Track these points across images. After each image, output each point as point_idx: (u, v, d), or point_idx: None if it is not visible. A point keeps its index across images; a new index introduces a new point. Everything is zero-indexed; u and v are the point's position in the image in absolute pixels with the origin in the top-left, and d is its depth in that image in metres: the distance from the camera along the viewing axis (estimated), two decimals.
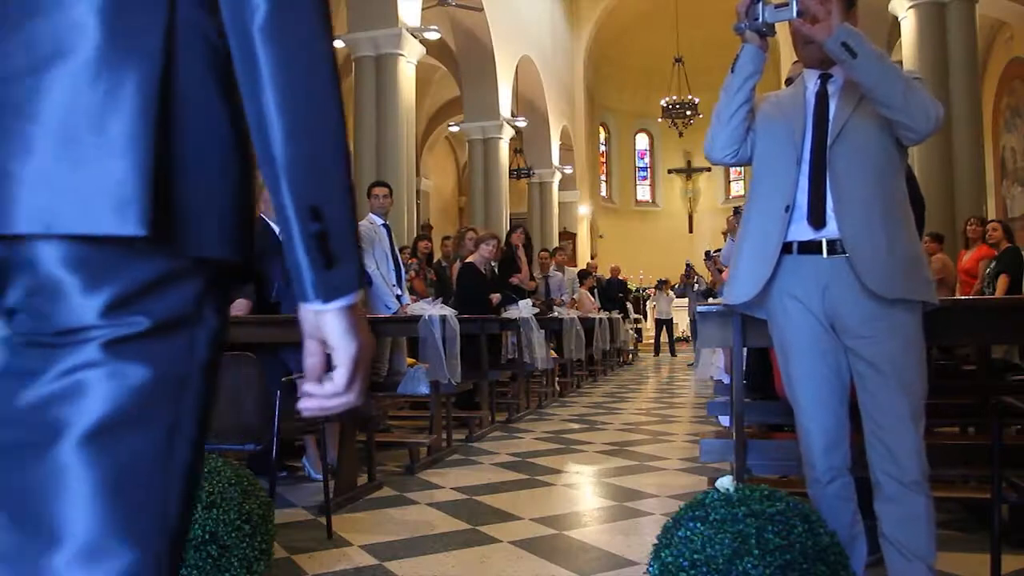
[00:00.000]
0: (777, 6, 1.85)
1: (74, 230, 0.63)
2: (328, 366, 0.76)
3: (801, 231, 1.93)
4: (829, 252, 1.91)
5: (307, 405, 0.77)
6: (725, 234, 6.88)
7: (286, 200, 0.70)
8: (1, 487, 0.67)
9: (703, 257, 8.09)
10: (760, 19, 1.87)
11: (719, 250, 7.07)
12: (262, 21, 0.68)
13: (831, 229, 1.90)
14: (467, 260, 6.44)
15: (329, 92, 0.72)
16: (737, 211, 6.36)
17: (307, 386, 0.76)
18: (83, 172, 0.63)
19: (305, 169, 0.70)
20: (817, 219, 1.90)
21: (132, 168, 0.64)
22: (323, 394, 0.76)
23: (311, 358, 0.76)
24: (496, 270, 7.13)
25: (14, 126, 0.64)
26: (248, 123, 0.71)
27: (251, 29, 0.69)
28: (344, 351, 0.75)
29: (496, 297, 6.49)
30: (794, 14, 1.82)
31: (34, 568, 0.64)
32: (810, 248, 1.92)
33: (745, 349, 3.37)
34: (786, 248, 1.94)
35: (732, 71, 1.98)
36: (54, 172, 0.63)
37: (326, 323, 0.74)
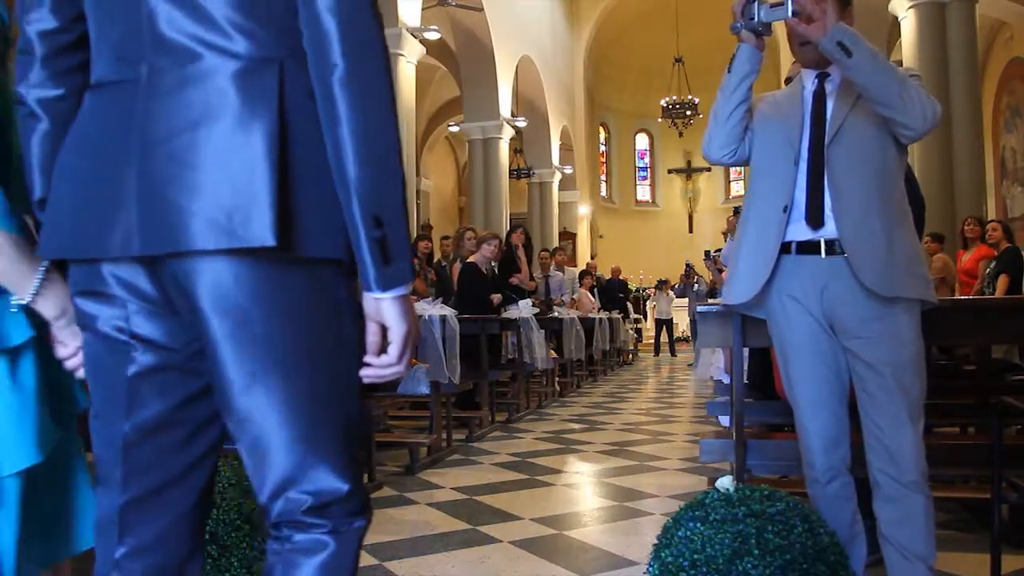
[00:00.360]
0: (772, 5, 1.84)
1: (231, 245, 0.87)
2: (383, 344, 0.97)
3: (799, 231, 1.93)
4: (827, 252, 1.91)
5: (366, 373, 0.97)
6: (725, 234, 6.89)
7: (355, 211, 0.90)
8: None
9: (703, 257, 8.09)
10: (756, 19, 1.87)
11: (719, 250, 7.07)
12: (340, 76, 0.90)
13: (829, 229, 1.90)
14: (468, 260, 6.43)
15: (389, 127, 0.93)
16: (737, 211, 6.36)
17: (368, 358, 0.96)
18: (234, 207, 0.87)
19: (370, 187, 0.90)
20: (815, 219, 1.90)
21: (267, 199, 0.87)
22: (380, 364, 0.97)
23: (371, 336, 0.96)
24: (496, 270, 7.13)
25: (182, 173, 0.88)
26: (327, 150, 0.91)
27: (331, 82, 0.90)
28: (397, 331, 0.95)
29: (497, 297, 6.48)
30: (789, 13, 1.81)
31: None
32: (808, 248, 1.92)
33: (747, 349, 3.38)
34: (784, 248, 1.94)
35: (729, 71, 1.98)
36: (215, 204, 0.87)
37: (384, 308, 0.94)
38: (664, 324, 15.57)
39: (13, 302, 1.09)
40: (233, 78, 0.90)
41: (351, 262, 0.94)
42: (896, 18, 9.04)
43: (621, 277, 14.61)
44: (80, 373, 1.07)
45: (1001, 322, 2.61)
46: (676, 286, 14.99)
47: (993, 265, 6.47)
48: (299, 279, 0.93)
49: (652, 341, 16.20)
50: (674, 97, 19.59)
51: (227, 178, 0.87)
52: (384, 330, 0.96)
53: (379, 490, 3.79)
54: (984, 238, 6.77)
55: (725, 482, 1.75)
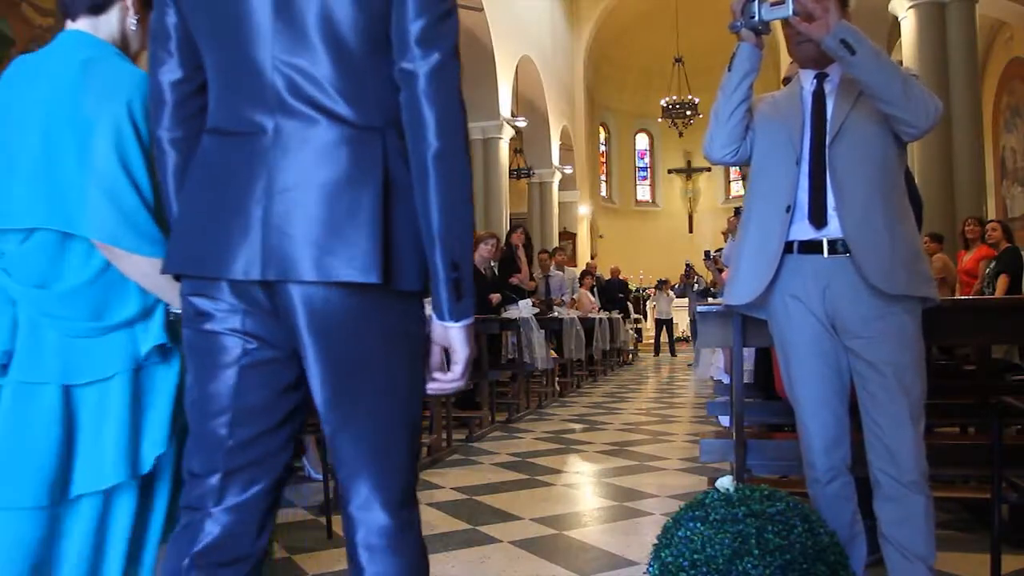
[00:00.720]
0: (773, 4, 1.84)
1: (344, 279, 1.07)
2: (446, 363, 1.19)
3: (802, 230, 1.93)
4: (830, 251, 1.91)
5: (432, 387, 1.20)
6: (726, 234, 6.88)
7: (438, 257, 1.11)
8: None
9: (703, 257, 8.09)
10: (756, 17, 1.87)
11: (719, 250, 7.07)
12: (434, 154, 1.10)
13: (832, 228, 1.90)
14: None
15: (467, 192, 1.14)
16: (738, 211, 6.35)
17: (436, 375, 1.19)
18: (346, 248, 1.06)
19: (451, 239, 1.11)
20: (818, 218, 1.90)
21: (372, 244, 1.07)
22: (445, 380, 1.19)
23: (435, 357, 1.18)
24: (496, 270, 7.13)
25: (303, 216, 1.07)
26: (417, 206, 1.12)
27: (427, 157, 1.10)
28: (461, 353, 1.16)
29: (496, 297, 6.48)
30: (790, 12, 1.82)
31: None
32: (811, 248, 1.93)
33: (751, 349, 3.38)
34: (787, 248, 1.94)
35: (729, 70, 1.98)
36: (328, 249, 1.06)
37: (452, 335, 1.15)
38: (664, 324, 15.57)
39: (172, 310, 1.42)
40: (347, 143, 1.10)
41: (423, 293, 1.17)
42: (896, 18, 9.04)
43: (621, 277, 14.61)
44: None
45: (1001, 322, 2.61)
46: (676, 286, 15.00)
47: (993, 265, 6.47)
48: (392, 307, 1.13)
49: (652, 341, 16.20)
50: (674, 97, 19.59)
51: (341, 225, 1.08)
52: (446, 352, 1.18)
53: None
54: (984, 238, 6.78)
55: (725, 482, 1.75)
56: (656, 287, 15.92)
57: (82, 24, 1.46)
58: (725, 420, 4.18)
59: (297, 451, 4.26)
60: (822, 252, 1.92)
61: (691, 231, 23.46)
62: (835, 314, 1.91)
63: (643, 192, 24.63)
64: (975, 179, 8.49)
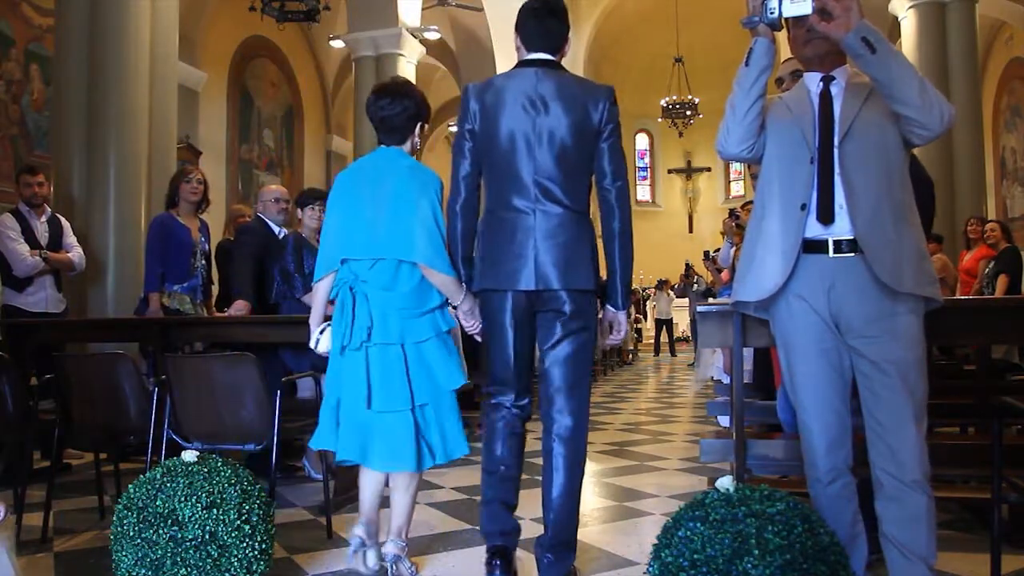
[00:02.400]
0: (794, 0, 1.84)
1: (578, 287, 2.29)
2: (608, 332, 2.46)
3: (811, 229, 1.93)
4: (835, 251, 1.91)
5: (607, 342, 2.46)
6: (723, 234, 6.87)
7: (618, 279, 2.36)
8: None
9: (703, 257, 8.09)
10: (777, 13, 1.86)
11: (718, 250, 7.07)
12: (616, 228, 2.35)
13: (838, 227, 1.90)
14: None
15: (631, 249, 2.38)
16: (732, 213, 6.34)
17: (611, 338, 2.44)
18: (576, 273, 2.28)
19: (624, 272, 2.36)
20: (825, 215, 1.90)
21: (589, 271, 2.30)
22: (614, 338, 2.43)
23: (605, 326, 2.43)
24: None
25: (556, 257, 2.28)
26: (606, 253, 2.37)
27: (614, 228, 2.36)
28: (624, 326, 2.44)
29: None
30: (811, 9, 1.82)
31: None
32: (816, 247, 1.93)
33: (751, 349, 3.38)
34: None
35: (746, 64, 1.97)
36: (567, 272, 2.27)
37: (620, 317, 2.42)
38: (664, 324, 15.56)
39: (451, 303, 2.48)
40: (571, 220, 2.30)
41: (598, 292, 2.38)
42: (896, 18, 9.04)
43: None
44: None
45: (1001, 322, 2.61)
46: (676, 286, 15.00)
47: (992, 265, 6.47)
48: (591, 301, 2.34)
49: (652, 341, 16.20)
50: (674, 97, 19.57)
51: (574, 262, 2.28)
52: (611, 326, 2.43)
53: None
54: (984, 237, 6.77)
55: (725, 482, 1.74)
56: (656, 287, 15.92)
57: (396, 144, 2.61)
58: (725, 420, 4.17)
59: (298, 451, 4.27)
60: (827, 251, 1.92)
61: (691, 231, 23.45)
62: (839, 313, 1.91)
63: (643, 192, 24.61)
64: (975, 179, 8.49)
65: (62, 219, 4.90)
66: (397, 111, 2.53)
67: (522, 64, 2.40)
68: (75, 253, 4.81)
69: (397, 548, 2.50)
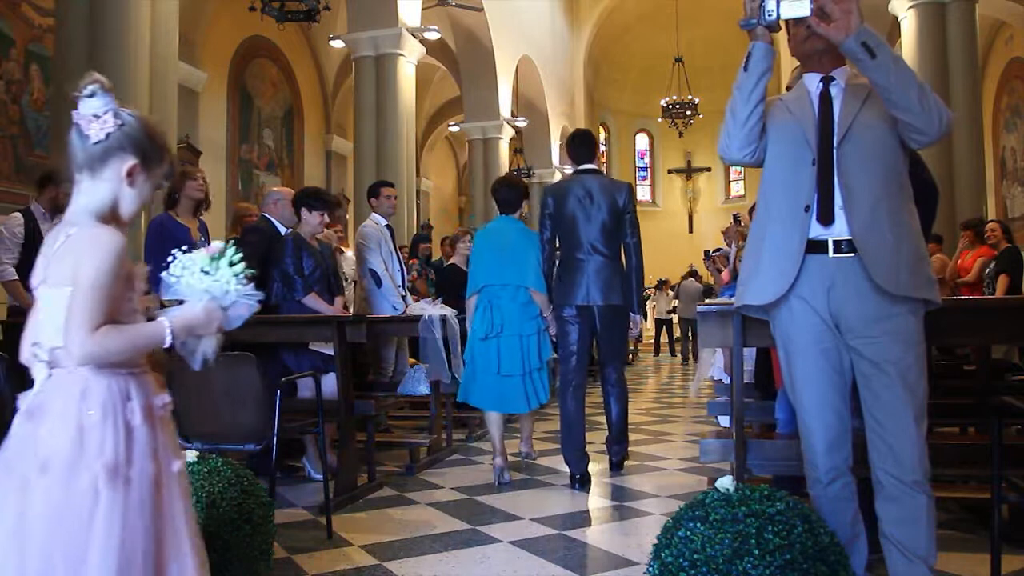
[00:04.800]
0: (792, 1, 1.83)
1: (611, 303, 3.99)
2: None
3: (813, 229, 1.93)
4: (835, 251, 1.90)
5: (631, 333, 4.22)
6: (725, 233, 6.85)
7: (634, 295, 4.01)
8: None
9: (703, 257, 8.07)
10: (775, 15, 1.85)
11: (718, 249, 7.04)
12: (634, 265, 4.04)
13: (838, 228, 1.90)
14: (450, 262, 6.41)
15: (642, 274, 4.16)
16: (736, 218, 6.33)
17: (631, 331, 4.19)
18: (614, 292, 3.97)
19: (638, 287, 4.06)
20: (825, 216, 1.90)
21: (622, 293, 4.01)
22: (634, 333, 4.22)
23: (632, 324, 4.15)
24: None
25: (602, 285, 3.94)
26: (627, 278, 4.05)
27: (633, 267, 4.04)
28: (639, 323, 4.14)
29: None
30: (808, 11, 1.81)
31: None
32: (816, 247, 1.92)
33: (751, 349, 3.37)
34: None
35: (745, 69, 1.95)
36: (608, 294, 3.95)
37: (636, 319, 4.10)
38: (664, 324, 15.55)
39: (543, 313, 4.02)
40: (610, 263, 3.95)
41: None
42: (896, 18, 9.04)
43: None
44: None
45: (1001, 322, 2.61)
46: (676, 286, 14.97)
47: (992, 265, 6.46)
48: (625, 311, 4.02)
49: (652, 341, 16.19)
50: (674, 97, 19.57)
51: (609, 287, 3.93)
52: (632, 324, 4.11)
53: (379, 490, 3.79)
54: (984, 238, 6.77)
55: (725, 482, 1.75)
56: (656, 287, 15.90)
57: (511, 213, 4.15)
58: (725, 420, 4.17)
59: (298, 451, 4.26)
60: (827, 251, 1.91)
61: (691, 231, 23.44)
62: (839, 313, 1.91)
63: (643, 192, 24.61)
64: (975, 179, 8.49)
65: None
66: (514, 196, 4.17)
67: (577, 172, 4.10)
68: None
69: (527, 447, 4.59)
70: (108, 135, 1.37)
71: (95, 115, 1.37)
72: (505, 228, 4.08)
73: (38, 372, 1.36)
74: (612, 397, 4.14)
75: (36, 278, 1.40)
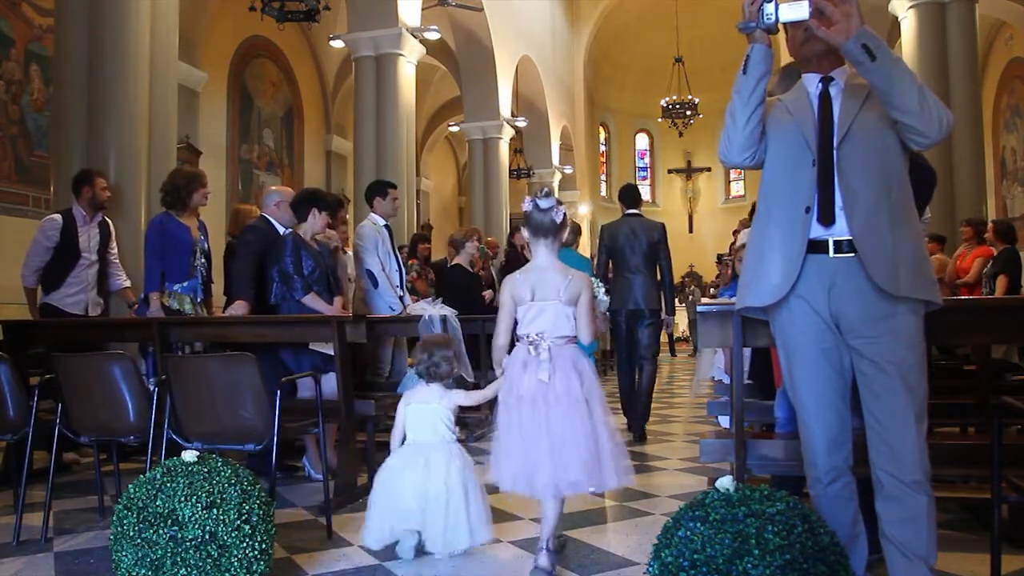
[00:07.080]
0: (791, 4, 1.82)
1: (650, 307, 5.56)
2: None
3: (813, 229, 1.93)
4: (836, 251, 1.90)
5: (666, 329, 5.95)
6: (736, 233, 6.87)
7: (665, 302, 5.58)
8: None
9: (716, 260, 8.09)
10: (774, 19, 1.85)
11: (729, 254, 7.05)
12: (666, 279, 5.60)
13: (838, 228, 1.90)
14: (454, 262, 6.41)
15: (672, 282, 5.65)
16: (743, 222, 6.35)
17: (665, 327, 5.78)
18: (650, 301, 5.53)
19: (668, 297, 5.57)
20: (826, 216, 1.90)
21: (657, 299, 5.61)
22: (668, 328, 5.92)
23: (666, 323, 5.67)
24: (496, 269, 7.10)
25: (635, 296, 5.48)
26: (661, 286, 5.63)
27: (665, 281, 5.61)
28: (671, 321, 5.89)
29: (489, 294, 6.47)
30: (807, 14, 1.80)
31: None
32: (817, 247, 1.92)
33: (751, 349, 3.37)
34: None
35: (744, 72, 1.95)
36: (649, 301, 5.49)
37: (669, 319, 5.72)
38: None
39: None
40: (650, 280, 5.47)
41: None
42: (896, 18, 9.04)
43: None
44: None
45: (1001, 322, 2.60)
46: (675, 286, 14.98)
47: (991, 266, 6.47)
48: (658, 313, 5.48)
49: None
50: (674, 97, 19.56)
51: (656, 296, 5.46)
52: (665, 323, 5.63)
53: None
54: (983, 238, 6.78)
55: (725, 482, 1.74)
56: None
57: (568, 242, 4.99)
58: (725, 420, 4.17)
59: (298, 451, 4.27)
60: (828, 251, 1.91)
61: (691, 231, 23.44)
62: (840, 313, 1.91)
63: (643, 192, 24.53)
64: (975, 179, 8.48)
65: (111, 224, 4.94)
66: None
67: (626, 216, 5.54)
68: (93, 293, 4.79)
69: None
70: None
71: None
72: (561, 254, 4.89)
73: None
74: (644, 372, 5.46)
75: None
